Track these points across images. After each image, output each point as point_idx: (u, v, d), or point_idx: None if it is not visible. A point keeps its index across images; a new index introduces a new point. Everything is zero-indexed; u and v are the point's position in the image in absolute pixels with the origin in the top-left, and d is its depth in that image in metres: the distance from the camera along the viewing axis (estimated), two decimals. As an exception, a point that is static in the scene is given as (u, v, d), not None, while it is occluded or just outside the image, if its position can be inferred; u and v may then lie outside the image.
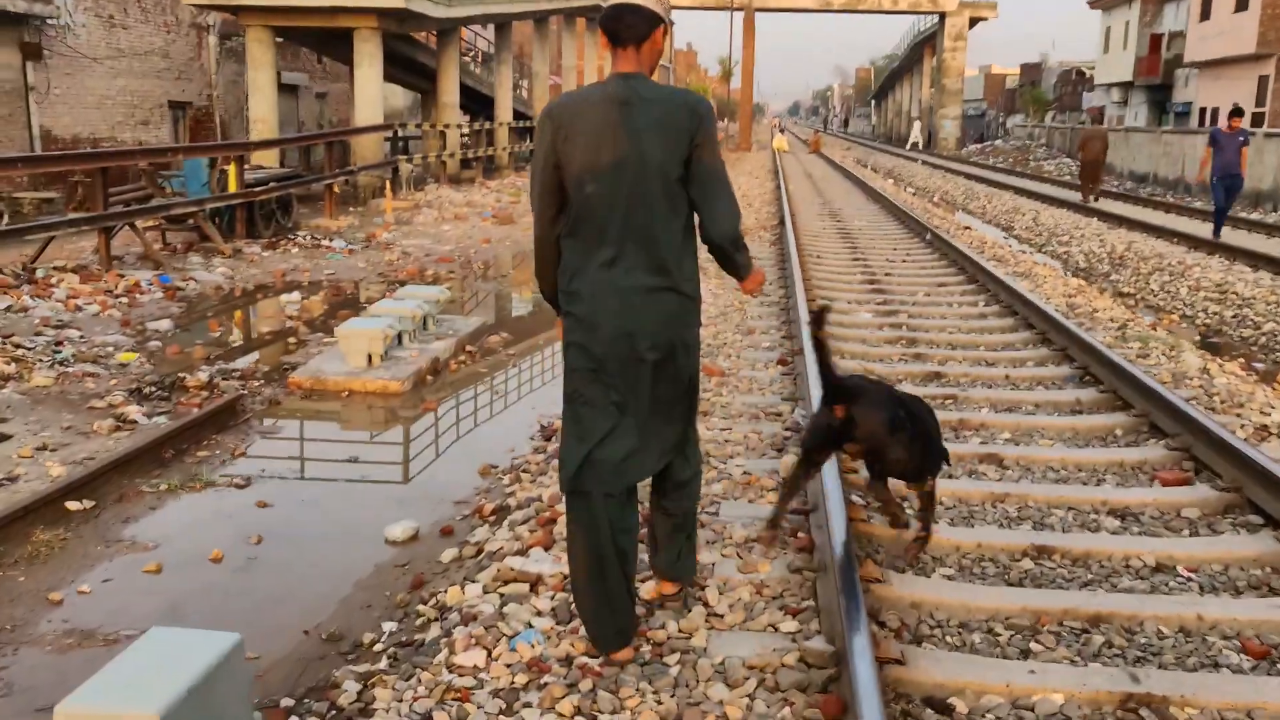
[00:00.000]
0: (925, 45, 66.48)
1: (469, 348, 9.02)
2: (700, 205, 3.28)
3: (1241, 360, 9.25)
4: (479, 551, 4.73)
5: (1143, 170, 33.70)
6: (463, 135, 28.11)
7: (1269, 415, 6.53)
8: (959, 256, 12.93)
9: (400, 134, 22.73)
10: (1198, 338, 10.43)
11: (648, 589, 3.96)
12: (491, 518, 5.21)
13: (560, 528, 4.68)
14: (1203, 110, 39.46)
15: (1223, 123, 22.48)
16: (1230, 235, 17.11)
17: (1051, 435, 6.37)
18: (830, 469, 4.87)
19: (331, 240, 14.93)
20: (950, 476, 5.54)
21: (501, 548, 4.62)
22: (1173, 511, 5.17)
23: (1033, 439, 6.29)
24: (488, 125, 29.51)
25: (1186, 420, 6.04)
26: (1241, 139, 15.80)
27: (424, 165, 24.46)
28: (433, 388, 7.90)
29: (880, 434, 3.89)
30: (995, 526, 4.94)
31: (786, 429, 6.14)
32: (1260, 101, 34.88)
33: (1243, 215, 21.59)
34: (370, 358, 7.86)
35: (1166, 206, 22.43)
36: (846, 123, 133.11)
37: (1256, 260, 13.47)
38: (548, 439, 6.48)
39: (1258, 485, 5.17)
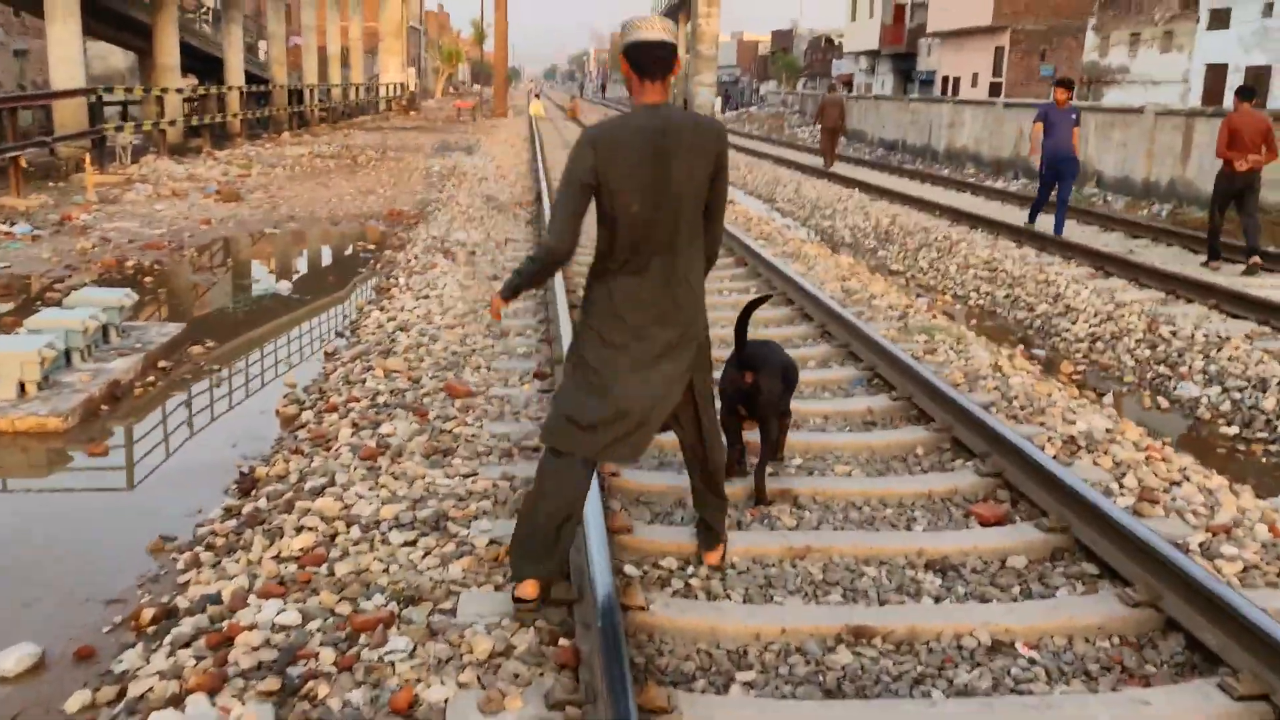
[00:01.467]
0: (680, 11, 66.51)
1: (163, 363, 7.47)
2: (707, 221, 3.66)
3: (1021, 348, 8.81)
4: (120, 694, 3.41)
5: (892, 138, 34.41)
6: (188, 100, 25.52)
7: (1073, 424, 5.92)
8: (727, 237, 12.17)
9: (104, 98, 20.12)
10: (973, 323, 10.00)
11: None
12: (151, 628, 3.88)
13: (235, 653, 3.44)
14: (945, 79, 40.86)
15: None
16: (982, 205, 17.16)
17: (847, 458, 5.55)
18: (597, 546, 3.83)
19: (13, 225, 12.75)
20: (739, 525, 4.61)
21: (150, 690, 3.33)
22: (997, 561, 4.40)
23: (827, 464, 5.44)
24: (218, 90, 26.92)
25: (995, 438, 5.34)
26: (1074, 116, 12.80)
27: (144, 135, 21.95)
28: (107, 421, 6.36)
29: (774, 393, 4.85)
30: (800, 601, 4.01)
31: (543, 472, 5.04)
32: (997, 72, 36.29)
33: (987, 184, 22.00)
34: (23, 386, 6.26)
35: (923, 176, 22.61)
36: (603, 88, 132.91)
37: (1019, 235, 13.32)
38: (246, 492, 5.15)
39: (1087, 525, 4.47)
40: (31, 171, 17.98)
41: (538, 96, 50.74)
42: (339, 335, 8.62)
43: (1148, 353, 8.39)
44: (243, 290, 10.67)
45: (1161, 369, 8.08)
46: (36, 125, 23.17)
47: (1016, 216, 15.05)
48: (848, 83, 54.47)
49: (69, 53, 19.01)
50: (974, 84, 37.78)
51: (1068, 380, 7.97)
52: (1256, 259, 11.03)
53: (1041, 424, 5.96)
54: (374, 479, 4.90)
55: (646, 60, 3.47)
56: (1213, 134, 16.34)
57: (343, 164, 22.90)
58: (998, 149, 26.43)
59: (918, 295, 10.55)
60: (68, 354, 6.79)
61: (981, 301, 10.79)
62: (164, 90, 22.66)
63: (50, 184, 17.11)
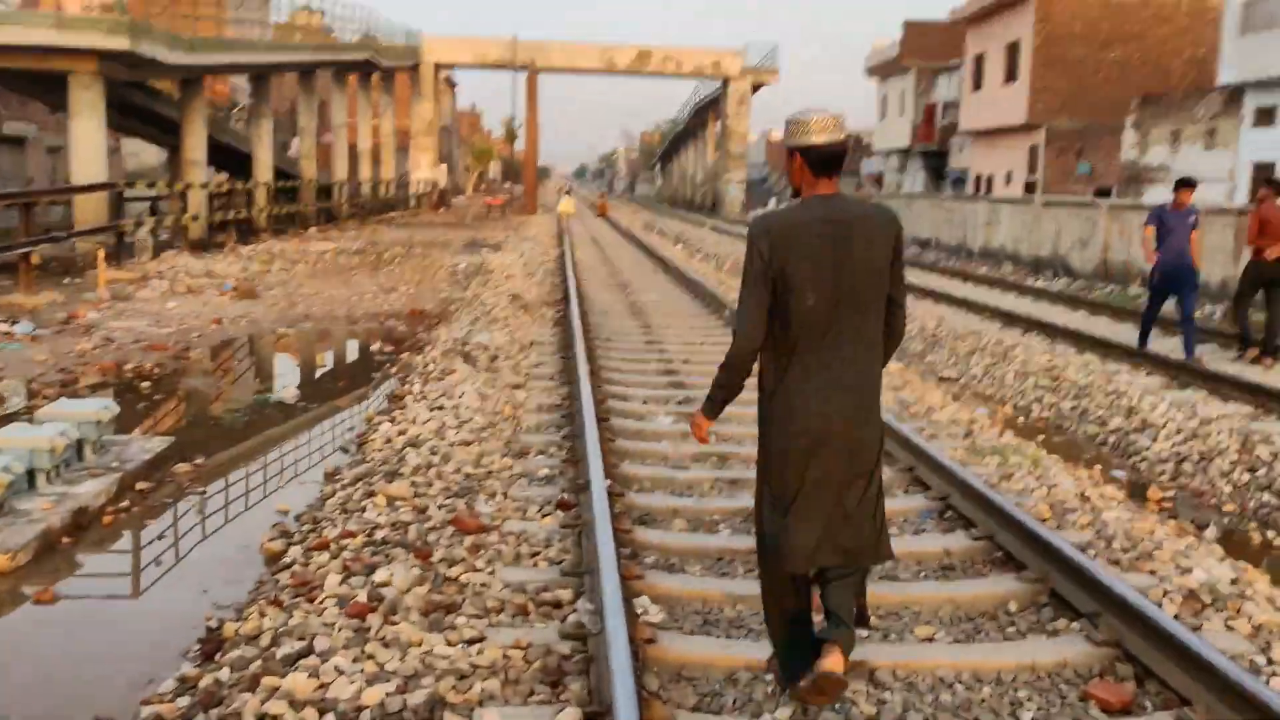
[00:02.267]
0: (709, 110, 66.91)
1: (141, 484, 6.68)
2: (890, 305, 3.62)
3: (1099, 469, 7.90)
4: None
5: (925, 235, 33.81)
6: (215, 195, 25.25)
7: (1189, 571, 5.01)
8: (765, 338, 11.39)
9: (126, 194, 19.76)
10: (1040, 438, 9.11)
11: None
12: None
13: None
14: (978, 177, 40.38)
15: (1159, 197, 20.85)
16: (1031, 306, 16.35)
17: (928, 615, 4.66)
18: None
19: (14, 323, 12.13)
20: (804, 713, 3.72)
21: None
22: (1136, 768, 3.48)
23: (905, 623, 4.55)
24: (244, 185, 26.69)
25: (1104, 594, 4.44)
26: (1192, 219, 11.03)
27: (171, 229, 21.59)
28: (66, 558, 5.55)
29: None
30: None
31: (567, 637, 4.16)
32: (1031, 170, 35.75)
33: (1029, 284, 21.22)
34: (-25, 516, 5.48)
35: (964, 275, 21.85)
36: (633, 186, 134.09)
37: (1080, 341, 12.44)
38: (209, 656, 4.29)
39: (1241, 716, 3.55)
40: (50, 268, 17.54)
41: (568, 194, 50.70)
42: (343, 450, 7.84)
43: (1246, 476, 7.46)
44: (245, 397, 9.93)
45: (1266, 496, 7.14)
46: (64, 222, 22.92)
47: (1070, 319, 14.22)
48: (878, 181, 54.22)
49: (91, 148, 18.73)
50: (1008, 182, 37.25)
51: (1157, 508, 7.05)
52: (1269, 358, 11.33)
53: (1151, 572, 5.06)
54: (360, 645, 4.04)
55: (821, 160, 3.48)
56: None
57: (367, 261, 22.41)
58: (1036, 247, 25.72)
59: (978, 409, 9.67)
60: (31, 476, 6.02)
61: (1046, 414, 9.89)
62: (187, 185, 22.35)
63: (65, 280, 16.62)
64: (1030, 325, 13.58)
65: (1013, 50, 36.41)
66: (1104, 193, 29.95)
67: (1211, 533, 6.51)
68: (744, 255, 3.47)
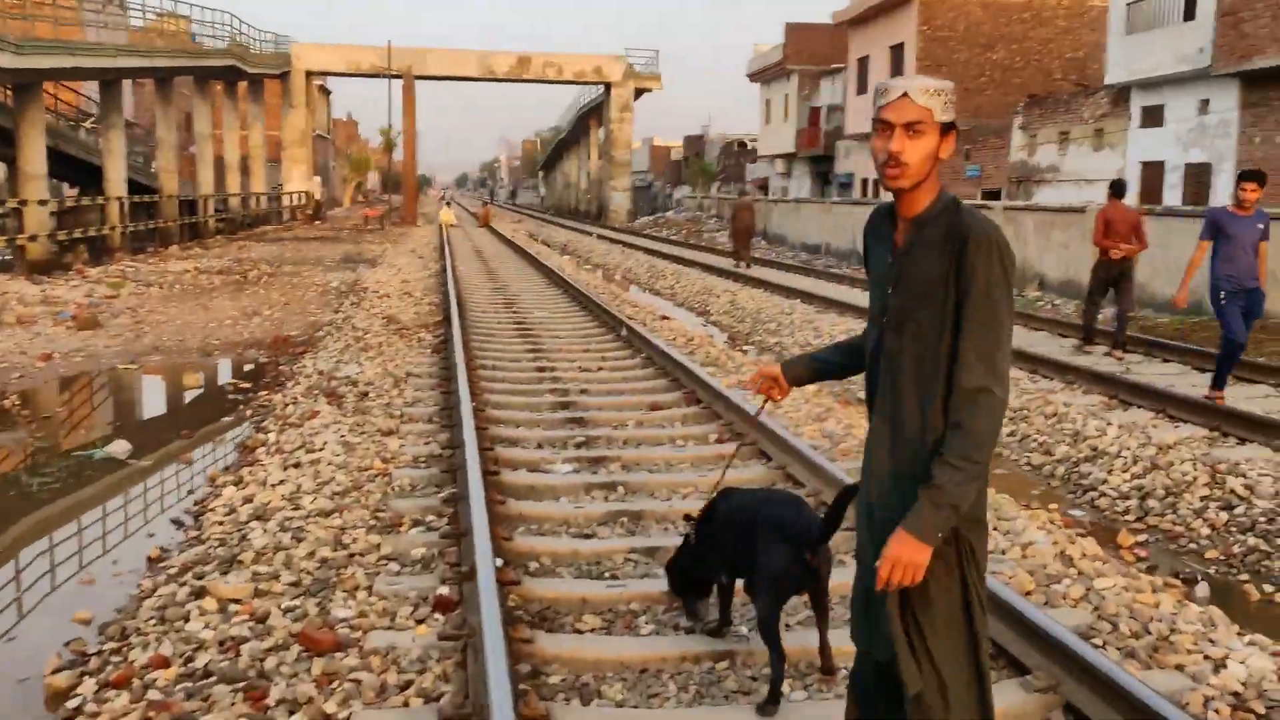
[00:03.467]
0: (592, 116, 65.90)
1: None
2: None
3: (1056, 509, 7.00)
4: None
5: (815, 241, 33.30)
6: (60, 213, 23.19)
7: (1221, 665, 4.07)
8: (668, 362, 10.31)
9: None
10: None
11: None
12: None
13: None
14: (864, 181, 40.13)
15: (1220, 199, 19.18)
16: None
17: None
18: None
19: None
20: None
21: None
22: None
23: None
24: (94, 200, 24.65)
25: (1139, 713, 3.46)
26: (1261, 226, 8.95)
27: (8, 250, 19.58)
28: None
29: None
30: None
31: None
32: (919, 172, 35.56)
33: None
34: None
35: (854, 281, 21.12)
36: (514, 194, 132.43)
37: (1032, 361, 11.59)
38: None
39: None
40: None
41: (449, 204, 49.08)
42: (175, 524, 6.49)
43: (1224, 516, 6.62)
44: (65, 453, 8.44)
45: (1252, 540, 6.29)
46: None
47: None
48: (763, 186, 53.85)
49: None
50: (895, 185, 37.06)
51: (1132, 557, 6.16)
52: (1119, 352, 11.89)
53: (1178, 666, 4.10)
54: None
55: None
56: (1164, 231, 15.89)
57: (230, 281, 20.73)
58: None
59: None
60: None
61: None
62: (22, 202, 20.33)
63: (-124, 312, 14.69)
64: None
65: (897, 52, 36.21)
66: (993, 194, 29.76)
67: (1202, 590, 5.62)
68: (894, 271, 2.59)
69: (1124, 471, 7.53)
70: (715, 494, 4.38)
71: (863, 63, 39.58)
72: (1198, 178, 22.35)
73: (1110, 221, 11.95)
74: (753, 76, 53.12)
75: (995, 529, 5.71)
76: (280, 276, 21.76)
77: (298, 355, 12.22)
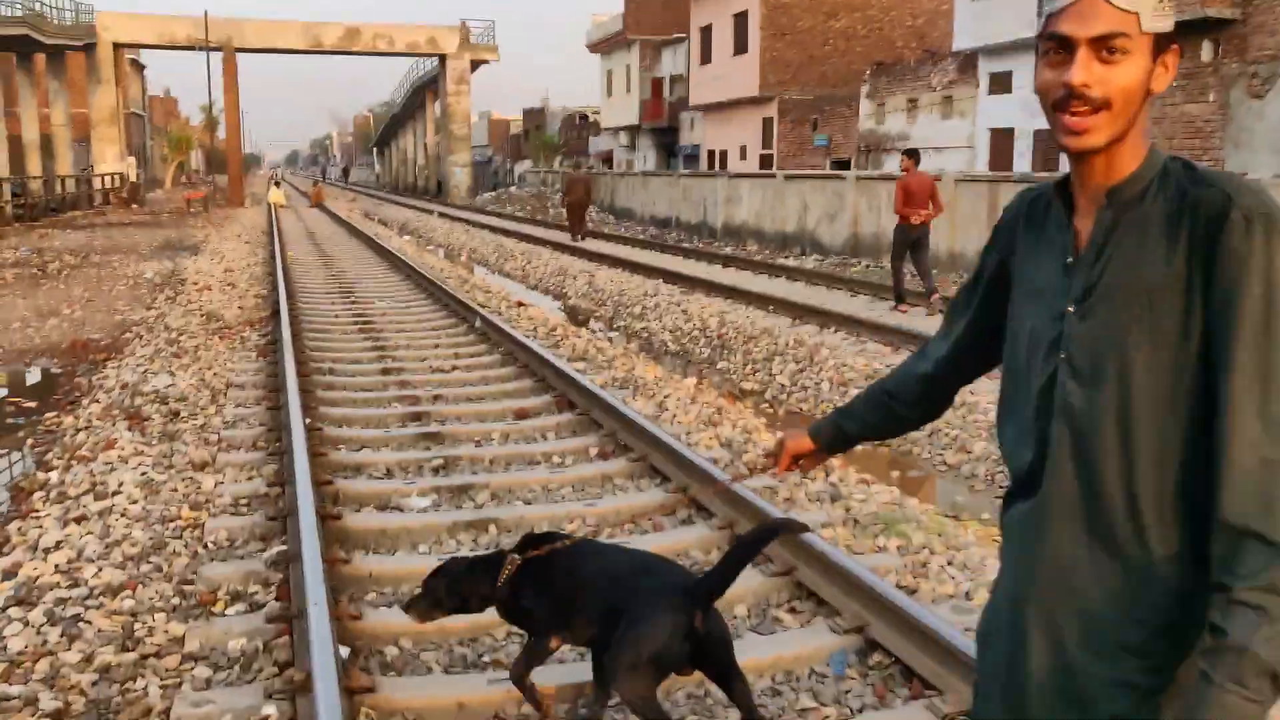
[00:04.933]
0: (427, 90, 63.64)
1: None
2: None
3: (989, 518, 6.16)
4: None
5: (664, 214, 32.47)
6: None
7: None
8: (531, 358, 9.16)
9: None
10: (897, 475, 7.35)
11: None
12: None
13: None
14: (710, 152, 39.50)
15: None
16: (814, 295, 14.84)
17: None
18: None
19: None
20: None
21: None
22: None
23: None
24: None
25: None
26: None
27: None
28: None
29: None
30: None
31: None
32: (767, 143, 35.06)
33: (783, 263, 19.96)
34: None
35: (717, 258, 20.28)
36: (347, 172, 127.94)
37: (888, 335, 10.85)
38: None
39: None
40: None
41: (278, 184, 46.43)
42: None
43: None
44: None
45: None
46: None
47: (867, 309, 12.70)
48: (607, 159, 52.81)
49: None
50: (743, 157, 36.46)
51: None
52: (936, 296, 12.49)
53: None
54: None
55: None
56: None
57: (25, 275, 18.52)
58: (781, 223, 24.71)
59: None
60: None
61: (892, 440, 8.13)
62: None
63: None
64: (826, 319, 11.93)
65: (741, 21, 35.56)
66: (842, 164, 29.41)
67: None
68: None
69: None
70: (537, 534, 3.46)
71: (705, 32, 38.83)
72: (1048, 143, 22.25)
73: (909, 189, 12.69)
74: (592, 47, 51.94)
75: (949, 562, 4.78)
76: (86, 268, 19.62)
77: (99, 363, 10.56)
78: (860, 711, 3.63)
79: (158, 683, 3.74)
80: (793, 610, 4.41)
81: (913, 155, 13.05)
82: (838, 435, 2.21)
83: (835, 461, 6.60)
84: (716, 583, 3.09)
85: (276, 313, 11.74)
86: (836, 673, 3.90)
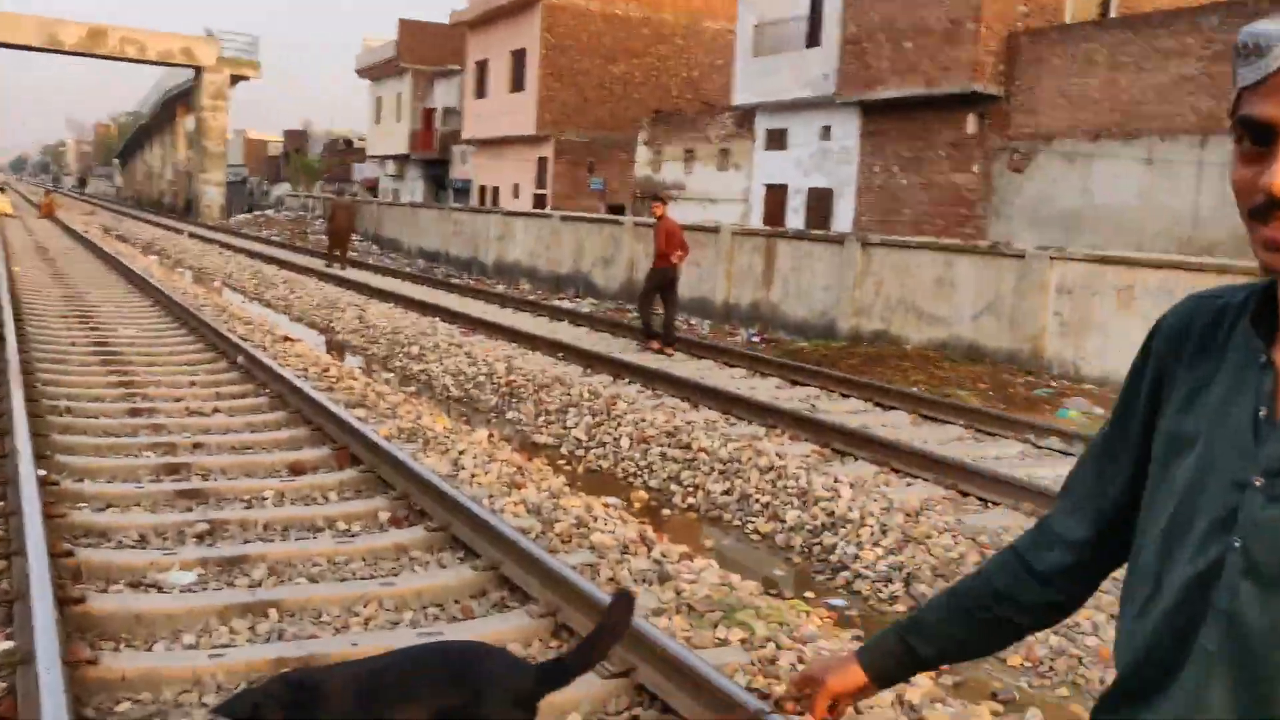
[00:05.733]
0: (179, 102, 60.07)
1: None
2: None
3: (816, 601, 5.81)
4: None
5: (433, 248, 31.54)
6: None
7: None
8: (303, 402, 8.29)
9: None
10: (711, 543, 6.94)
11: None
12: None
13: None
14: (482, 188, 38.81)
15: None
16: (580, 335, 14.42)
17: None
18: None
19: None
20: None
21: None
22: None
23: None
24: None
25: None
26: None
27: None
28: None
29: None
30: None
31: None
32: (541, 183, 34.71)
33: (560, 305, 19.56)
34: None
35: (493, 296, 19.63)
36: (84, 182, 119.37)
37: (686, 391, 10.50)
38: None
39: None
40: None
41: (2, 190, 42.43)
42: None
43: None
44: None
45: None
46: None
47: (660, 361, 12.37)
48: (372, 187, 51.13)
49: None
50: (515, 194, 35.92)
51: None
52: (670, 349, 13.05)
53: None
54: None
55: None
56: (793, 255, 16.89)
57: None
58: (556, 264, 24.33)
59: (613, 500, 7.26)
60: None
61: (695, 500, 7.72)
62: None
63: None
64: (620, 369, 11.50)
65: (519, 58, 35.17)
66: (617, 209, 29.36)
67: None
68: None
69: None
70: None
71: (481, 66, 38.19)
72: (821, 202, 22.85)
73: (670, 231, 13.39)
74: (362, 73, 50.31)
75: (800, 659, 4.34)
76: None
77: None
78: None
79: None
80: (636, 720, 3.87)
81: (661, 199, 14.13)
82: (905, 661, 1.65)
83: (651, 533, 6.12)
84: (577, 663, 2.61)
85: (1, 338, 10.27)
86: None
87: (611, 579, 5.12)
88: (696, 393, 10.24)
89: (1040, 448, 8.85)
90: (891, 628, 1.70)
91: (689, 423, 9.08)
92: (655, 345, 13.16)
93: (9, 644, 4.00)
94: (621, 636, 2.70)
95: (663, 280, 13.34)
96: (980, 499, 7.17)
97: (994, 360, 13.19)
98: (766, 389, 11.00)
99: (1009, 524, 6.65)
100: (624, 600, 2.69)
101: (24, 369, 8.84)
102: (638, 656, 4.06)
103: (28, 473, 5.67)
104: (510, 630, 4.52)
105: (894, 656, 1.64)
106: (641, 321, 13.68)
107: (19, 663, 3.82)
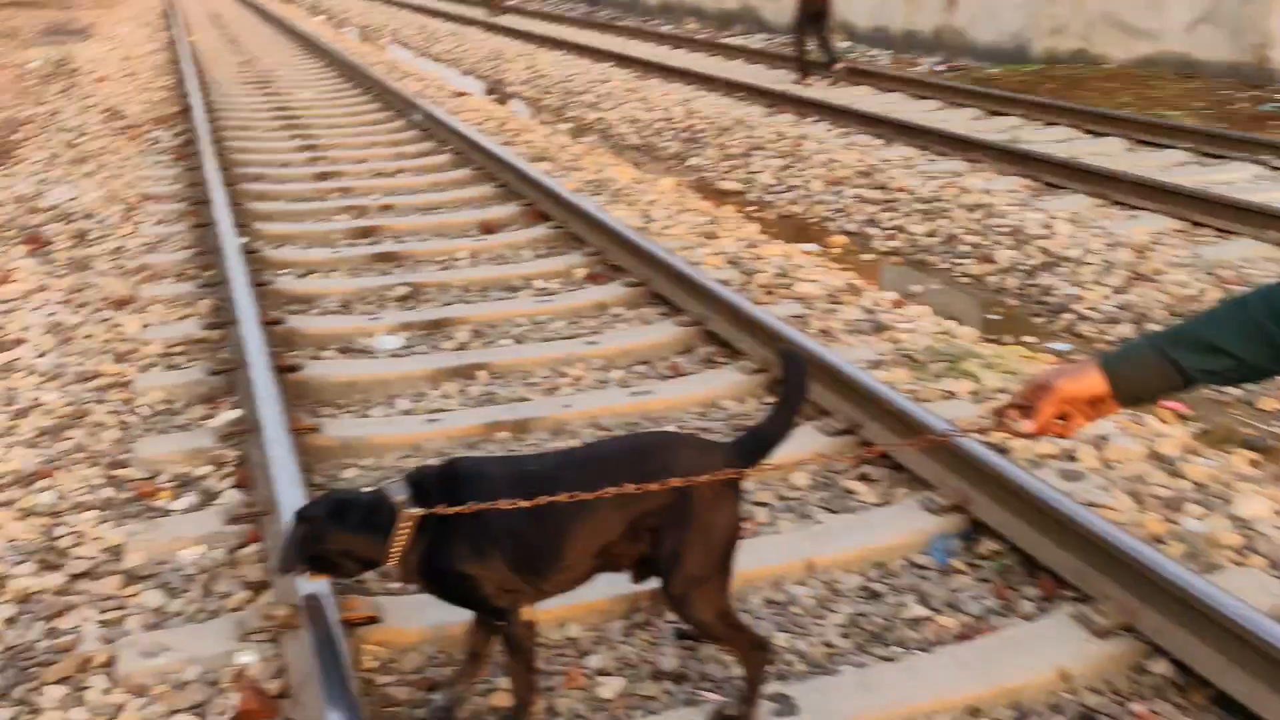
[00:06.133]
0: None
1: None
2: None
3: (1041, 345, 5.45)
4: None
5: (597, -9, 30.35)
6: None
7: None
8: (486, 159, 8.13)
9: None
10: (919, 289, 6.59)
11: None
12: None
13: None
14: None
15: None
16: (758, 73, 13.67)
17: None
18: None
19: None
20: None
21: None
22: None
23: None
24: None
25: None
26: None
27: None
28: None
29: None
30: None
31: None
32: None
33: (733, 43, 18.54)
34: None
35: (663, 38, 18.79)
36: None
37: (871, 124, 9.89)
38: None
39: None
40: None
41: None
42: None
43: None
44: None
45: None
46: None
47: (847, 96, 11.66)
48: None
49: None
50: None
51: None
52: (839, 65, 12.78)
53: None
54: None
55: None
56: None
57: (-105, 65, 16.56)
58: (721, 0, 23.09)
59: (811, 247, 6.94)
60: None
61: (897, 243, 7.31)
62: None
63: None
64: (805, 107, 10.88)
65: None
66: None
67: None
68: None
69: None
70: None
71: None
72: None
73: None
74: None
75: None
76: (-37, 57, 17.62)
77: (-13, 170, 9.26)
78: (983, 618, 2.94)
79: (95, 618, 2.91)
80: (865, 479, 3.68)
81: None
82: (1164, 378, 1.49)
83: (860, 280, 5.80)
84: (772, 431, 2.35)
85: (189, 108, 10.38)
86: (940, 563, 3.20)
87: (824, 331, 4.86)
88: (888, 128, 9.61)
89: (1277, 169, 8.02)
90: (1144, 340, 1.58)
91: (884, 161, 8.55)
92: (807, 81, 12.71)
93: (235, 413, 4.06)
94: (806, 393, 2.43)
95: (809, 11, 12.71)
96: (1217, 229, 6.53)
97: (1211, 75, 11.94)
98: (961, 120, 10.25)
99: (1252, 255, 6.06)
100: (794, 357, 2.44)
101: (217, 146, 8.89)
102: (862, 412, 3.85)
103: (231, 242, 5.70)
104: (723, 387, 4.36)
105: (1152, 371, 1.52)
106: (795, 54, 13.20)
107: (245, 431, 3.88)
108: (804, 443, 3.77)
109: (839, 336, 4.81)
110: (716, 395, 4.31)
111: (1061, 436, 1.69)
